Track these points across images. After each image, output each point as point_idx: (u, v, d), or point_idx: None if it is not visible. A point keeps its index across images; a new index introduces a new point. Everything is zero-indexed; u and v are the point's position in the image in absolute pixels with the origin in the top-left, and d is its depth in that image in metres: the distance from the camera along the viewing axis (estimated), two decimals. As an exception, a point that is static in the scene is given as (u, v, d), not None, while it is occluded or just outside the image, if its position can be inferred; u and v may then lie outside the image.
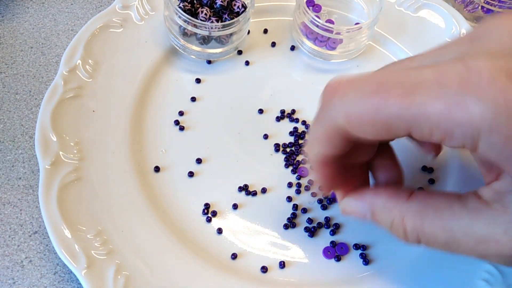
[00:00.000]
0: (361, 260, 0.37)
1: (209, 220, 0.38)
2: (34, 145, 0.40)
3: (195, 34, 0.43)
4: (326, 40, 0.45)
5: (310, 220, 0.38)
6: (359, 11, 0.48)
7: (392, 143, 0.35)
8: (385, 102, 0.25)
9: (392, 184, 0.33)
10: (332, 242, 0.37)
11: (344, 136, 0.28)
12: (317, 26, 0.43)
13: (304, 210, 0.39)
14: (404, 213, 0.30)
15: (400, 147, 0.42)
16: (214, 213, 0.38)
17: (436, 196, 0.30)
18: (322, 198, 0.39)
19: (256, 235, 0.38)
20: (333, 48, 0.45)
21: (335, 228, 0.38)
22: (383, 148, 0.34)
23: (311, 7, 0.48)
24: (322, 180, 0.31)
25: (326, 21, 0.47)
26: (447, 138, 0.25)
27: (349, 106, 0.26)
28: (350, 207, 0.32)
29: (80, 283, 0.35)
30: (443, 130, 0.24)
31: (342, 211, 0.33)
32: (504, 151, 0.24)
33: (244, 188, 0.39)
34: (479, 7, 0.50)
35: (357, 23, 0.48)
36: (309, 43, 0.46)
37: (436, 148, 0.33)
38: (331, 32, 0.43)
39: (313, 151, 0.30)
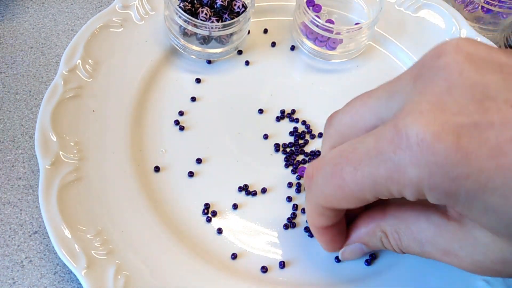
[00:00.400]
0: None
1: (209, 220, 0.38)
2: (34, 145, 0.39)
3: (195, 34, 0.43)
4: (326, 40, 0.45)
5: (310, 220, 0.38)
6: (359, 11, 0.48)
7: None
8: (342, 182, 0.28)
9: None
10: None
11: (331, 209, 0.31)
12: (317, 26, 0.43)
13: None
14: (385, 229, 0.32)
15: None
16: (214, 213, 0.38)
17: (405, 209, 0.31)
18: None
19: (256, 235, 0.38)
20: (333, 48, 0.45)
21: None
22: None
23: (311, 7, 0.48)
24: (325, 244, 0.34)
25: (326, 21, 0.47)
26: (404, 196, 0.26)
27: (321, 189, 0.30)
28: (349, 255, 0.35)
29: (80, 283, 0.35)
30: (396, 191, 0.26)
31: (344, 259, 0.36)
32: (448, 202, 0.25)
33: (244, 188, 0.39)
34: (479, 7, 0.50)
35: (357, 23, 0.48)
36: (309, 43, 0.46)
37: None
38: (331, 32, 0.43)
39: (311, 222, 0.33)
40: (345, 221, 0.34)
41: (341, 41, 0.45)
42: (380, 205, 0.33)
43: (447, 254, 0.29)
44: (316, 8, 0.48)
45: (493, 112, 0.24)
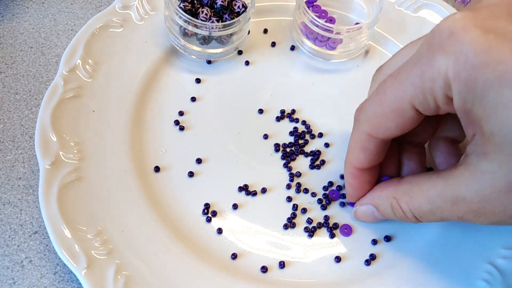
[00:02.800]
0: (363, 260, 0.37)
1: (209, 220, 0.38)
2: (34, 145, 0.40)
3: (196, 34, 0.43)
4: (326, 40, 0.45)
5: (310, 220, 0.38)
6: (359, 11, 0.48)
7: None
8: (383, 95, 0.31)
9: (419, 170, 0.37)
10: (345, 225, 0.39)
11: (373, 139, 0.33)
12: (317, 26, 0.43)
13: (304, 210, 0.39)
14: (398, 195, 0.33)
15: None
16: (214, 213, 0.38)
17: (422, 174, 0.33)
18: (322, 198, 0.39)
19: (256, 235, 0.38)
20: (333, 48, 0.45)
21: (335, 228, 0.38)
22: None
23: (311, 7, 0.48)
24: (351, 189, 0.37)
25: (327, 20, 0.47)
26: (433, 99, 0.28)
27: (366, 112, 0.32)
28: (361, 215, 0.37)
29: (80, 283, 0.35)
30: (428, 89, 0.28)
31: (356, 218, 0.38)
32: (467, 97, 0.27)
33: (244, 188, 0.39)
34: (479, 7, 0.49)
35: (357, 23, 0.48)
36: (309, 43, 0.46)
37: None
38: (331, 32, 0.43)
39: (350, 161, 0.35)
40: (376, 177, 0.36)
41: (341, 41, 0.45)
42: (398, 177, 0.35)
43: (456, 202, 0.30)
44: (316, 8, 0.48)
45: None
